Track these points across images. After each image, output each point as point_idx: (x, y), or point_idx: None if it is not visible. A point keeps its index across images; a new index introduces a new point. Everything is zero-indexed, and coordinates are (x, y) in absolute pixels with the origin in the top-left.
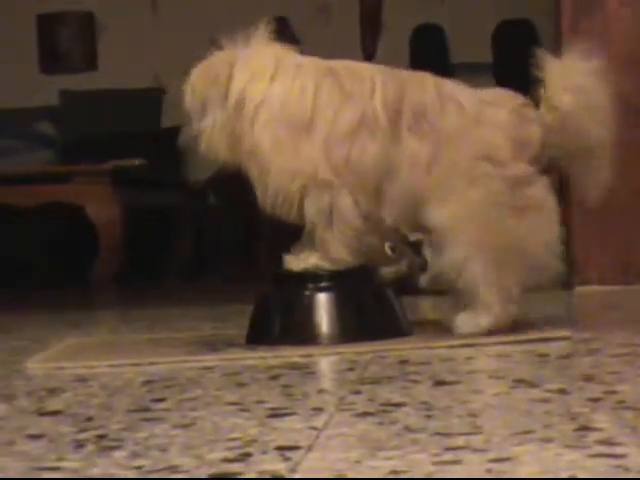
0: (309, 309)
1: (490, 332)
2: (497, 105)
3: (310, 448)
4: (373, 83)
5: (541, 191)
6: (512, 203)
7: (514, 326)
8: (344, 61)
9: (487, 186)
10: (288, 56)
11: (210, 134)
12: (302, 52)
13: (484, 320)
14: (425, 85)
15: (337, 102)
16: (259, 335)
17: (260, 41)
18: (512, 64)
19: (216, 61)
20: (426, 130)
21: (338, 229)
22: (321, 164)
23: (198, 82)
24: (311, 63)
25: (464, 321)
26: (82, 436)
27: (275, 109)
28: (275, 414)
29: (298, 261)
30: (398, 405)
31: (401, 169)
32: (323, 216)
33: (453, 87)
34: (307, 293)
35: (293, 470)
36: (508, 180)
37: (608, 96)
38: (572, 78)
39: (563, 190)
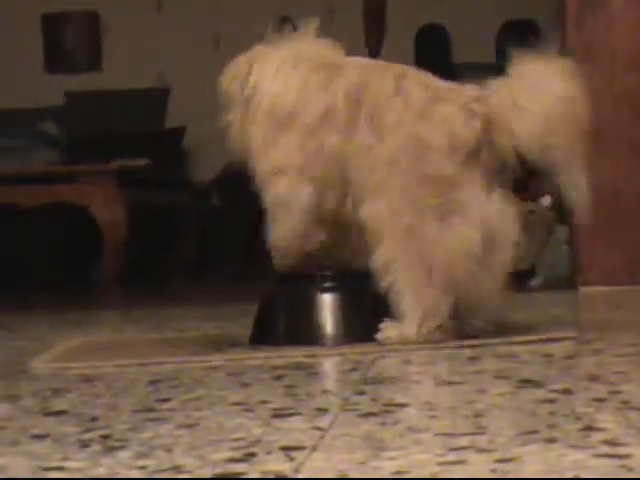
0: (313, 310)
1: (415, 342)
2: (448, 101)
3: (314, 448)
4: (342, 74)
5: (467, 195)
6: (437, 207)
7: (443, 338)
8: (355, 57)
9: (412, 187)
10: (298, 54)
11: (231, 129)
12: None
13: (407, 330)
14: (387, 76)
15: (315, 96)
16: (263, 335)
17: (300, 39)
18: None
19: (242, 58)
20: (375, 123)
21: (292, 216)
22: (295, 153)
23: (225, 77)
24: (311, 60)
25: (388, 329)
26: (87, 436)
27: (266, 107)
28: (279, 414)
29: None
30: (402, 405)
31: (352, 161)
32: (280, 203)
33: (417, 80)
34: (311, 294)
35: (297, 470)
36: (435, 182)
37: (565, 101)
38: (526, 81)
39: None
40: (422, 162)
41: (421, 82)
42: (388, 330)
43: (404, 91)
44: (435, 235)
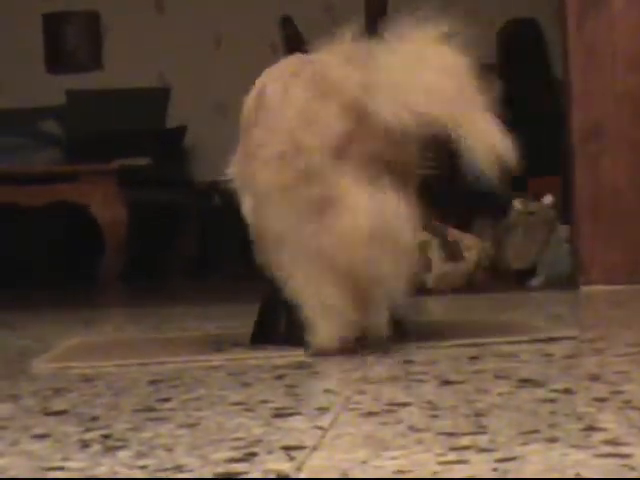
0: None
1: (319, 353)
2: (297, 75)
3: (315, 448)
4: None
5: (338, 188)
6: (308, 202)
7: (351, 349)
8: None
9: (271, 179)
10: (298, 61)
11: None
12: (307, 51)
13: (320, 340)
14: (280, 77)
15: None
16: (264, 334)
17: (337, 43)
18: (517, 63)
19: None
20: (268, 127)
21: None
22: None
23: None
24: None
25: (304, 332)
26: (87, 436)
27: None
28: (280, 414)
29: None
30: (403, 405)
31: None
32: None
33: (310, 77)
34: None
35: (298, 470)
36: (300, 174)
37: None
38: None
39: (567, 191)
40: (296, 162)
41: (313, 79)
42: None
43: (290, 93)
44: (315, 234)
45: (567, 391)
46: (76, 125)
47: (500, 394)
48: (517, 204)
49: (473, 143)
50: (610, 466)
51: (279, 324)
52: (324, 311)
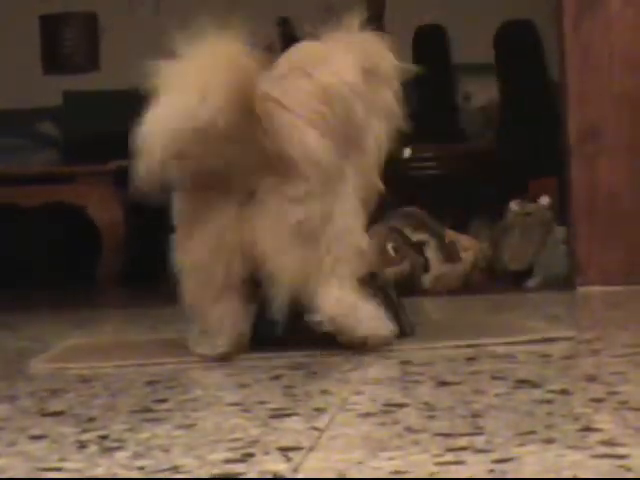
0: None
1: (226, 356)
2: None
3: (312, 448)
4: None
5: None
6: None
7: (244, 347)
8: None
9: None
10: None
11: None
12: None
13: (219, 340)
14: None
15: None
16: (261, 335)
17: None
18: (514, 64)
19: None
20: None
21: None
22: None
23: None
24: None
25: (197, 341)
26: (84, 437)
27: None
28: (277, 414)
29: None
30: (400, 405)
31: None
32: None
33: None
34: None
35: (295, 470)
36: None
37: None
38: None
39: (563, 192)
40: None
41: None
42: (199, 342)
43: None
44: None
45: (564, 392)
46: (73, 126)
47: (497, 395)
48: (514, 205)
49: None
50: (606, 467)
51: (276, 325)
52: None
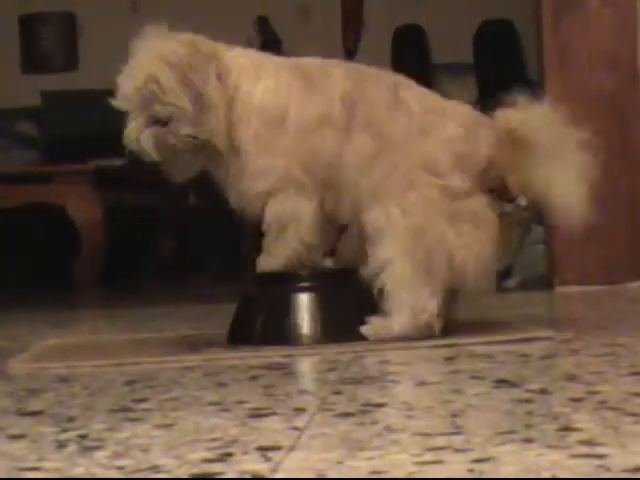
0: (290, 309)
1: (401, 338)
2: (446, 118)
3: (291, 448)
4: (334, 79)
5: (479, 206)
6: (447, 212)
7: (429, 335)
8: (310, 59)
9: (423, 192)
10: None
11: (212, 128)
12: (284, 51)
13: (395, 324)
14: (382, 85)
15: (305, 98)
16: (240, 335)
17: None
18: (493, 64)
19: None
20: (374, 131)
21: (294, 236)
22: (293, 160)
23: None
24: (283, 61)
25: (375, 324)
26: (64, 436)
27: (256, 106)
28: (256, 414)
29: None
30: (379, 405)
31: (347, 167)
32: (280, 221)
33: (411, 91)
34: (288, 293)
35: (274, 470)
36: (446, 190)
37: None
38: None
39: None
40: (430, 173)
41: (417, 96)
42: (374, 324)
43: (403, 103)
44: (443, 238)
45: (543, 391)
46: (52, 126)
47: (476, 395)
48: None
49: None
50: (586, 467)
51: (255, 325)
52: (417, 302)
